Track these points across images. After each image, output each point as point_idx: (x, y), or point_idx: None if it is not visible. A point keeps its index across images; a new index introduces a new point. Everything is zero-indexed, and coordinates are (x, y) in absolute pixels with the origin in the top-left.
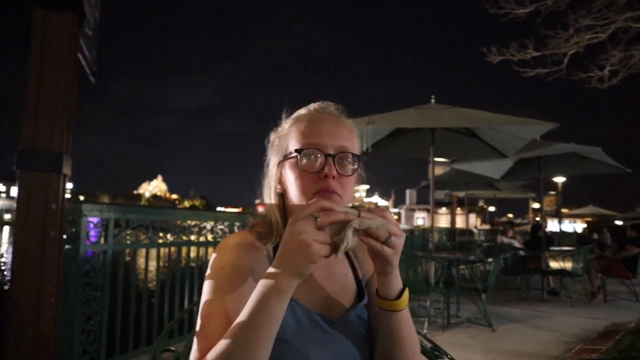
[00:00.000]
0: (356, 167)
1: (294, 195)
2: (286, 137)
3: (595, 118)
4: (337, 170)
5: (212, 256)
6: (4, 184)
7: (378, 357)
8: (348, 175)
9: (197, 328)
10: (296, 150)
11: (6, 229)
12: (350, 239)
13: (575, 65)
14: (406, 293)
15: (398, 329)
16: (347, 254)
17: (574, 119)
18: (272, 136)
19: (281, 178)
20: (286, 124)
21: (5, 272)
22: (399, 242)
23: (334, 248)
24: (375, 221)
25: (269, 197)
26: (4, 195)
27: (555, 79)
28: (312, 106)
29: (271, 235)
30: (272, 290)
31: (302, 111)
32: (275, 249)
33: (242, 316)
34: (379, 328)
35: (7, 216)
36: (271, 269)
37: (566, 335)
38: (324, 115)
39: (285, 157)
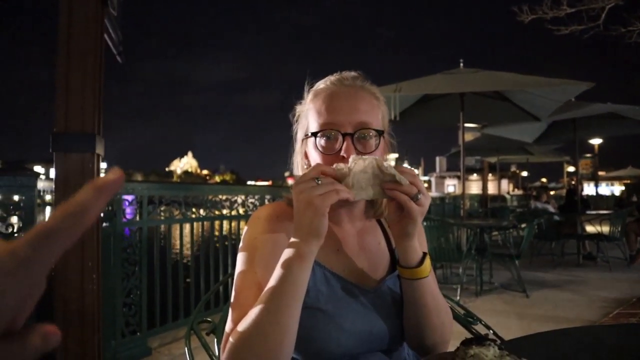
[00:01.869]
0: (379, 142)
1: None
2: (307, 113)
3: (634, 76)
4: (356, 149)
5: (245, 228)
6: (43, 167)
7: (407, 326)
8: (371, 152)
9: (232, 299)
10: (313, 134)
11: (48, 209)
12: (359, 172)
13: (613, 20)
14: (427, 260)
15: (422, 297)
16: (380, 223)
17: (611, 77)
18: (297, 110)
19: (307, 153)
20: (307, 98)
21: None
22: (426, 201)
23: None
24: (403, 178)
25: (298, 171)
26: (43, 177)
27: (591, 35)
28: (330, 78)
29: None
30: (293, 256)
31: (320, 85)
32: None
33: (269, 285)
34: (403, 297)
35: (48, 197)
36: (292, 238)
37: (603, 300)
38: (342, 88)
39: (307, 136)
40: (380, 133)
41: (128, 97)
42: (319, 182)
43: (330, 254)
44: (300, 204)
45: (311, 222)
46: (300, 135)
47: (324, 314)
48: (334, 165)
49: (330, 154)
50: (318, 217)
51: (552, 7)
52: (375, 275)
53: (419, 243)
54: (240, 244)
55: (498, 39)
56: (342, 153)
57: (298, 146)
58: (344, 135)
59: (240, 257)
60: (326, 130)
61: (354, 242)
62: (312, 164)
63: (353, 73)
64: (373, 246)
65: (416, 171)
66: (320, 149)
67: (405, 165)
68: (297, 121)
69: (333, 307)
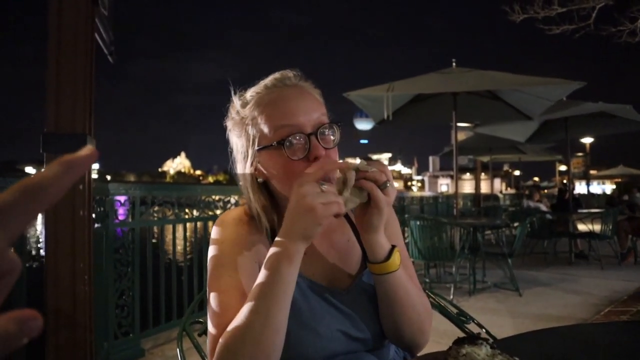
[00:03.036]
0: (338, 136)
1: (284, 183)
2: (253, 122)
3: (625, 75)
4: (323, 147)
5: (212, 232)
6: (34, 167)
7: (383, 321)
8: (333, 147)
9: (210, 305)
10: (278, 143)
11: None
12: (351, 180)
13: (604, 20)
14: (396, 253)
15: (394, 291)
16: (349, 219)
17: (602, 77)
18: (231, 123)
19: (258, 166)
20: (246, 108)
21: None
22: (394, 191)
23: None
24: (370, 167)
25: (246, 187)
26: None
27: (582, 35)
28: (269, 82)
29: (261, 225)
30: (282, 256)
31: (260, 90)
32: (272, 232)
33: (256, 286)
34: (377, 292)
35: None
36: (278, 237)
37: (595, 298)
38: (288, 90)
39: (263, 147)
40: (337, 125)
41: (120, 97)
42: (324, 187)
43: None
44: (301, 207)
45: (306, 227)
46: (244, 149)
47: (297, 320)
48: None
49: (300, 159)
50: (315, 224)
51: (544, 6)
52: (347, 274)
53: (392, 235)
54: (210, 248)
55: (490, 39)
56: (315, 154)
57: (247, 163)
58: (308, 135)
59: (211, 262)
60: (291, 136)
61: (322, 242)
62: (276, 175)
63: (291, 72)
64: (342, 244)
65: (409, 170)
66: (288, 155)
67: (399, 165)
68: (235, 134)
69: (306, 312)
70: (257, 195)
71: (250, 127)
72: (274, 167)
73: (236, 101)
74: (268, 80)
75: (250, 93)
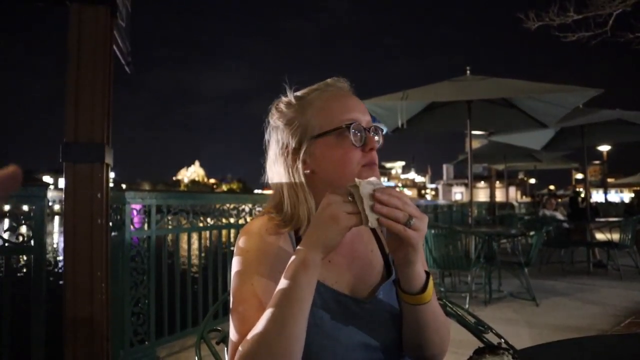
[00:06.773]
0: (381, 140)
1: (337, 171)
2: (311, 113)
3: None
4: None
5: (238, 241)
6: (52, 177)
7: (405, 340)
8: (377, 149)
9: (233, 313)
10: (346, 126)
11: (57, 219)
12: (370, 215)
13: (621, 26)
14: (430, 283)
15: (424, 319)
16: (373, 230)
17: (620, 84)
18: (278, 115)
19: (308, 159)
20: (303, 100)
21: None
22: (421, 224)
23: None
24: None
25: (292, 187)
26: (52, 187)
27: (599, 42)
28: (328, 81)
29: (291, 221)
30: (299, 265)
31: (319, 86)
32: (297, 233)
33: (275, 295)
34: (403, 316)
35: (56, 207)
36: (300, 246)
37: (615, 309)
38: (344, 90)
39: (322, 134)
40: (383, 130)
41: (136, 106)
42: (350, 199)
43: (322, 266)
44: (325, 215)
45: (328, 236)
46: (292, 142)
47: (319, 328)
48: (371, 179)
49: (358, 147)
50: (337, 234)
51: (559, 13)
52: (369, 284)
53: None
54: (234, 257)
55: (505, 46)
56: (371, 146)
57: (291, 156)
58: (366, 130)
59: (235, 270)
60: (355, 123)
61: (346, 252)
62: (328, 164)
63: (343, 79)
64: (365, 254)
65: (423, 179)
66: (353, 141)
67: (412, 173)
68: (285, 128)
69: (328, 321)
70: (304, 195)
71: (307, 117)
72: (331, 156)
73: (290, 95)
74: (326, 80)
75: (305, 90)
